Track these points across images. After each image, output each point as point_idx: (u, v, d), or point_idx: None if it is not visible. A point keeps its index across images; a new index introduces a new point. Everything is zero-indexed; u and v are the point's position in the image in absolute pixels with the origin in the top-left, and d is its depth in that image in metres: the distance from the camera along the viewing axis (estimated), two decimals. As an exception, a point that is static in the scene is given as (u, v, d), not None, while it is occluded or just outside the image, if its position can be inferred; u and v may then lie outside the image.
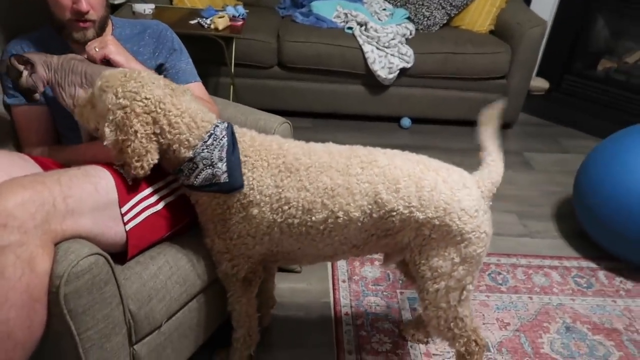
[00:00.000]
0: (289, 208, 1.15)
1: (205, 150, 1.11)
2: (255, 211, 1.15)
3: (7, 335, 0.92)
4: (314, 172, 1.15)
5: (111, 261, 1.03)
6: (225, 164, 1.11)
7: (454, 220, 1.15)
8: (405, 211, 1.15)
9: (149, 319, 1.16)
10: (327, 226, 1.17)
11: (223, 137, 1.12)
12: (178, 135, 1.10)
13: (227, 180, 1.11)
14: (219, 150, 1.11)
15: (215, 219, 1.19)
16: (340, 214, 1.15)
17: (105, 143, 1.08)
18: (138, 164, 1.08)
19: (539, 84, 3.46)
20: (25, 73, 1.19)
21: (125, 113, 1.05)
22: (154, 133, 1.08)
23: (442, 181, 1.16)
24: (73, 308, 0.97)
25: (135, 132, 1.06)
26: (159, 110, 1.08)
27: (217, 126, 1.14)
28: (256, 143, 1.17)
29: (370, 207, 1.15)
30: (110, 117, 1.06)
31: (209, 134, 1.12)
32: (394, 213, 1.15)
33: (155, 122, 1.08)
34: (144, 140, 1.07)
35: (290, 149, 1.18)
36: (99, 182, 1.08)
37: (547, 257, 2.08)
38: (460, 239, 1.17)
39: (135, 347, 1.16)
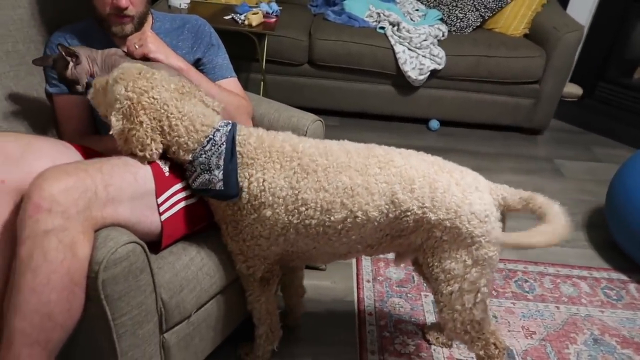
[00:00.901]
0: (307, 209, 1.14)
1: (203, 156, 1.13)
2: (268, 213, 1.15)
3: (47, 317, 0.95)
4: (332, 173, 1.14)
5: (147, 250, 1.05)
6: (222, 172, 1.12)
7: (463, 223, 1.14)
8: (419, 211, 1.15)
9: (179, 309, 1.18)
10: (345, 226, 1.17)
11: (222, 143, 1.13)
12: (177, 138, 1.13)
13: (222, 189, 1.12)
14: (217, 157, 1.12)
15: (227, 219, 1.20)
16: (359, 213, 1.15)
17: (111, 132, 1.12)
18: (141, 154, 1.11)
19: (572, 89, 3.40)
20: (71, 65, 1.23)
21: (132, 104, 1.10)
22: (158, 127, 1.12)
23: (454, 183, 1.16)
24: (110, 294, 0.99)
25: (141, 122, 1.10)
26: (162, 111, 1.12)
27: (218, 130, 1.14)
28: (265, 144, 1.16)
29: (387, 206, 1.15)
30: (118, 106, 1.10)
31: (207, 138, 1.13)
32: (409, 213, 1.15)
33: (159, 119, 1.12)
34: (149, 130, 1.11)
35: (306, 150, 1.17)
36: (138, 171, 1.10)
37: (575, 267, 2.04)
38: (471, 242, 1.16)
39: (165, 335, 1.18)
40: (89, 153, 1.22)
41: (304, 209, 1.14)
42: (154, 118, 1.11)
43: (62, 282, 0.94)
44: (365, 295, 1.80)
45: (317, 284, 1.83)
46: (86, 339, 1.09)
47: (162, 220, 1.14)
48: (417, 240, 1.21)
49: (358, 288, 1.83)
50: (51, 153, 1.08)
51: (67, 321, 0.98)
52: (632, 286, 1.96)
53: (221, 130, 1.15)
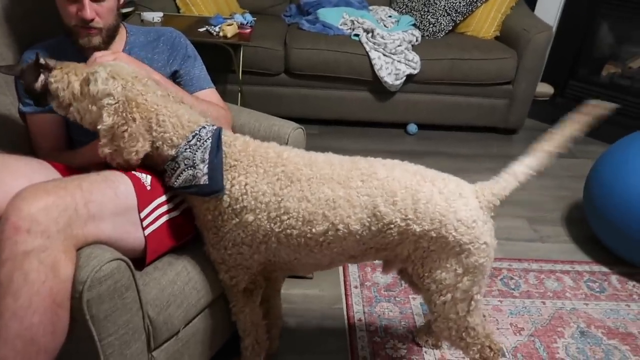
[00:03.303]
0: (288, 218, 1.13)
1: (188, 150, 1.12)
2: (250, 218, 1.14)
3: (30, 341, 0.91)
4: (315, 183, 1.13)
5: (132, 267, 1.03)
6: (207, 165, 1.10)
7: (450, 232, 1.13)
8: (402, 224, 1.13)
9: (167, 325, 1.16)
10: (327, 238, 1.15)
11: (208, 138, 1.13)
12: (162, 134, 1.13)
13: (207, 183, 1.10)
14: (202, 152, 1.11)
15: (208, 225, 1.17)
16: (341, 226, 1.13)
17: (99, 127, 1.11)
18: (133, 149, 1.10)
19: (544, 89, 3.47)
20: (41, 77, 1.19)
21: (128, 101, 1.10)
22: (147, 125, 1.12)
23: (437, 192, 1.14)
24: (95, 314, 0.97)
25: (134, 119, 1.10)
26: (152, 110, 1.13)
27: (204, 127, 1.15)
28: (249, 148, 1.16)
29: (369, 219, 1.14)
30: (111, 102, 1.10)
31: (193, 134, 1.13)
32: (392, 226, 1.14)
33: (149, 119, 1.12)
34: (141, 127, 1.11)
35: (291, 158, 1.16)
36: (118, 187, 1.08)
37: (558, 262, 2.07)
38: (460, 250, 1.15)
39: (153, 353, 1.15)
40: (66, 170, 1.19)
41: (285, 217, 1.13)
42: (144, 117, 1.12)
43: (45, 304, 0.91)
44: (353, 302, 1.79)
45: (305, 293, 1.81)
46: (72, 361, 1.06)
47: (146, 235, 1.12)
48: (403, 252, 1.19)
49: (346, 294, 1.82)
50: (28, 172, 1.05)
51: (51, 344, 0.94)
52: (613, 278, 2.00)
53: (207, 128, 1.15)
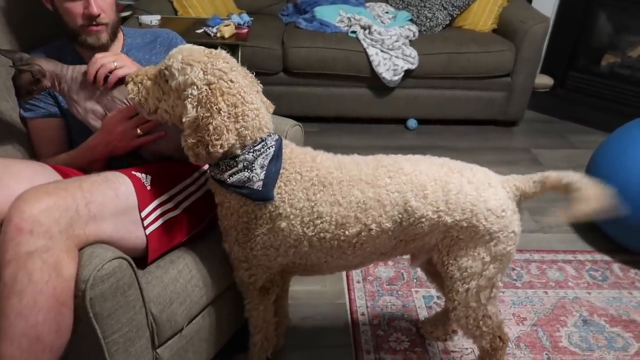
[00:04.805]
0: (322, 222, 1.14)
1: (251, 154, 1.09)
2: (283, 224, 1.14)
3: (36, 339, 0.93)
4: (346, 186, 1.14)
5: (134, 265, 1.04)
6: (264, 172, 1.10)
7: (480, 221, 1.14)
8: (434, 216, 1.14)
9: (170, 322, 1.17)
10: (360, 239, 1.16)
11: (271, 146, 1.11)
12: (243, 129, 1.07)
13: (260, 189, 1.10)
14: (263, 158, 1.10)
15: (239, 226, 1.17)
16: (373, 226, 1.14)
17: (183, 119, 1.06)
18: (218, 142, 1.04)
19: (544, 80, 3.47)
20: (28, 76, 1.21)
21: (211, 90, 1.03)
22: (233, 114, 1.06)
23: (467, 182, 1.16)
24: (98, 312, 0.98)
25: (219, 109, 1.03)
26: (239, 97, 1.06)
27: (270, 135, 1.13)
28: (293, 155, 1.16)
29: (400, 216, 1.15)
30: (195, 93, 1.04)
31: (261, 138, 1.11)
32: (423, 219, 1.15)
33: (235, 106, 1.06)
34: (226, 119, 1.04)
35: (323, 162, 1.17)
36: (119, 187, 1.10)
37: (560, 252, 2.08)
38: (489, 238, 1.16)
39: (158, 350, 1.17)
40: (67, 172, 1.21)
41: (319, 222, 1.14)
42: (231, 104, 1.05)
43: (49, 303, 0.93)
44: (356, 296, 1.80)
45: (308, 289, 1.83)
46: (78, 359, 1.07)
47: (147, 234, 1.14)
48: (431, 240, 1.20)
49: (349, 289, 1.83)
50: (30, 175, 1.07)
51: (56, 342, 0.96)
52: (615, 266, 2.00)
53: (272, 136, 1.13)
